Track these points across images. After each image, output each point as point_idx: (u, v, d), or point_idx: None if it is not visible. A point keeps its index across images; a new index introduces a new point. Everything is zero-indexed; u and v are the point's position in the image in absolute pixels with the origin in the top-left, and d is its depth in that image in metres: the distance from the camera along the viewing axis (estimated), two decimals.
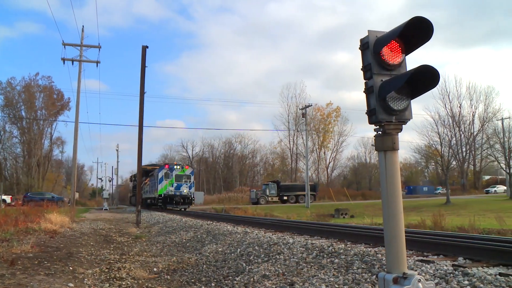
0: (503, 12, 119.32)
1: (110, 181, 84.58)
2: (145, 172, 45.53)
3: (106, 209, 46.99)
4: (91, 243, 12.97)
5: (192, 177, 38.52)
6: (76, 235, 14.62)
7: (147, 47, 23.56)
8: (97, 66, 33.20)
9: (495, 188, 67.18)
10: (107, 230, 18.00)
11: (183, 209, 35.87)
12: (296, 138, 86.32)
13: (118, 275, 8.09)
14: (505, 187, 66.99)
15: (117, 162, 79.38)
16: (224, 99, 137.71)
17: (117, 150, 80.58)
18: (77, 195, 52.49)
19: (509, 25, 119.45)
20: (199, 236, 13.30)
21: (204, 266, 8.84)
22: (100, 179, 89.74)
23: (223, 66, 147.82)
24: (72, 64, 32.39)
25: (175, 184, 36.50)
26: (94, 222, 22.50)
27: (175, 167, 37.62)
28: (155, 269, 8.92)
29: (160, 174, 36.74)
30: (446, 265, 5.79)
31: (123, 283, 7.51)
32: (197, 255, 10.33)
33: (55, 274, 7.43)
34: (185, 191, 36.77)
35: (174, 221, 19.70)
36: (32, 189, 62.59)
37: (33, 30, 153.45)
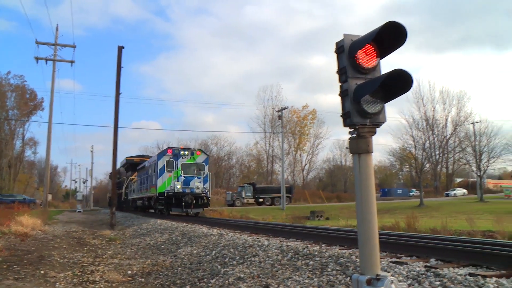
0: (473, 19, 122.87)
1: (84, 183, 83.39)
2: (132, 166, 37.86)
3: (80, 211, 46.22)
4: (64, 246, 12.74)
5: (207, 167, 26.57)
6: (48, 238, 14.35)
7: (123, 47, 23.33)
8: (71, 65, 32.80)
9: (455, 192, 69.04)
10: (81, 233, 17.71)
11: (193, 215, 25.43)
12: (272, 140, 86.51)
13: (91, 279, 7.96)
14: (464, 190, 69.41)
15: (92, 163, 78.28)
16: (200, 100, 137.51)
17: (91, 151, 79.52)
18: (50, 196, 51.47)
19: (478, 32, 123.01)
20: (174, 238, 13.20)
21: (179, 268, 8.78)
22: (74, 180, 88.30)
23: (200, 68, 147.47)
24: (46, 63, 31.94)
25: (182, 178, 25.21)
26: (67, 225, 22.13)
27: (181, 152, 25.96)
28: (129, 272, 8.81)
29: (160, 164, 25.37)
30: (418, 266, 5.87)
31: (97, 286, 7.40)
32: (172, 257, 10.25)
33: (25, 278, 7.27)
34: (198, 187, 25.17)
35: (149, 223, 19.51)
36: (3, 190, 61.06)
37: (5, 27, 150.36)
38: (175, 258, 9.99)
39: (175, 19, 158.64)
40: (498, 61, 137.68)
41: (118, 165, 41.61)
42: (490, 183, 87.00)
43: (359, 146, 4.09)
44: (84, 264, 9.63)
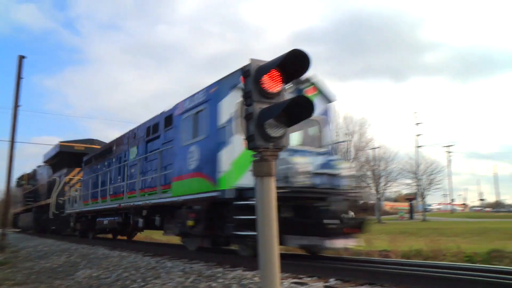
0: (373, 52, 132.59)
1: None
2: (70, 157, 23.96)
3: None
4: None
5: (330, 128, 10.57)
6: None
7: (24, 57, 21.95)
8: None
9: None
10: None
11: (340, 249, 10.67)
12: None
13: None
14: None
15: None
16: (108, 117, 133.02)
17: None
18: None
19: (378, 64, 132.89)
20: (72, 261, 12.47)
21: None
22: None
23: (109, 84, 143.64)
24: None
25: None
26: None
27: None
28: None
29: (225, 111, 8.35)
30: (318, 287, 6.04)
31: None
32: (69, 281, 9.65)
33: None
34: (348, 176, 9.16)
35: (45, 245, 18.28)
36: None
37: None
38: (73, 282, 9.42)
39: (84, 32, 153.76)
40: (395, 91, 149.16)
41: (30, 170, 37.66)
42: (387, 205, 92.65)
43: (262, 169, 4.16)
44: None
